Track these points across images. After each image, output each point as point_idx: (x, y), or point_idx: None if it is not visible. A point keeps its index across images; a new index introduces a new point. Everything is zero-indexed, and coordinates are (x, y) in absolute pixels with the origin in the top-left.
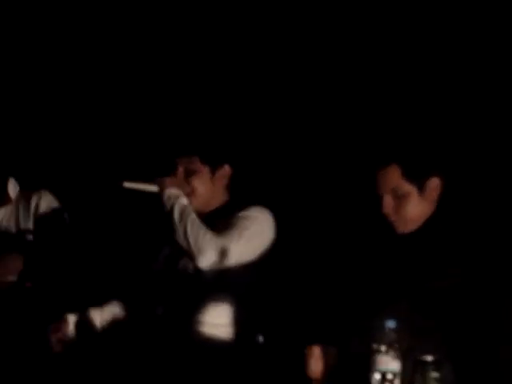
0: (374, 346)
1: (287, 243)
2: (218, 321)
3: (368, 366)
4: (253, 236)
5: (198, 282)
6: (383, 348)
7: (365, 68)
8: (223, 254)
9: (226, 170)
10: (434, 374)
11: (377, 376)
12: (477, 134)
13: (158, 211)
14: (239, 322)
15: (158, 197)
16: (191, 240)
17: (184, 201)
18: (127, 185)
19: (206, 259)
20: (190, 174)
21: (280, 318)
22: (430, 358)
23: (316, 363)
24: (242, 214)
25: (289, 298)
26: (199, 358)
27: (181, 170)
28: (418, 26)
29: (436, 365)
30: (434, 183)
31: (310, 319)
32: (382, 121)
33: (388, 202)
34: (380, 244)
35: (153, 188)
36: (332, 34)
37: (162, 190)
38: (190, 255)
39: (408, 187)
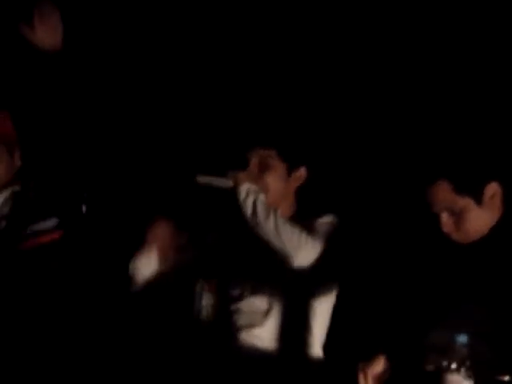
0: (444, 363)
1: (347, 253)
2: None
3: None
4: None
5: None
6: (454, 366)
7: (412, 83)
8: (312, 252)
9: (303, 172)
10: None
11: None
12: None
13: (224, 207)
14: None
15: (229, 192)
16: (285, 237)
17: (263, 197)
18: (201, 180)
19: (304, 256)
20: (264, 168)
21: (338, 331)
22: (507, 378)
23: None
24: (319, 220)
25: (348, 310)
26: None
27: (255, 162)
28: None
29: None
30: (492, 189)
31: (368, 331)
32: (424, 136)
33: (446, 220)
34: (441, 254)
35: (227, 183)
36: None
37: (237, 185)
38: (282, 254)
39: (463, 201)
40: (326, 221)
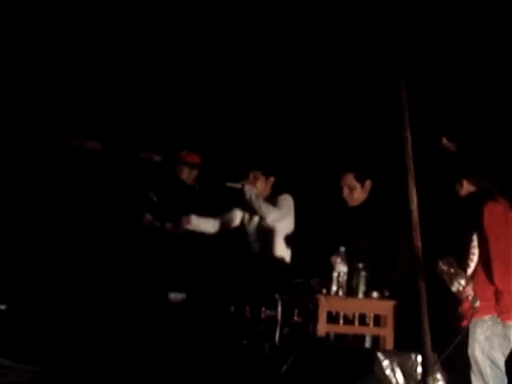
0: (333, 258)
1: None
2: None
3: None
4: (288, 209)
5: None
6: (339, 260)
7: None
8: (277, 216)
9: (272, 179)
10: (363, 274)
11: (335, 274)
12: None
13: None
14: None
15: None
16: (264, 209)
17: (255, 191)
18: (228, 184)
19: (272, 217)
20: (256, 179)
21: None
22: (361, 264)
23: None
24: (281, 197)
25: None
26: None
27: (251, 176)
28: None
29: (366, 269)
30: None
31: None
32: None
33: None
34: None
35: (239, 185)
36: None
37: (243, 186)
38: (263, 216)
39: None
40: (282, 197)
